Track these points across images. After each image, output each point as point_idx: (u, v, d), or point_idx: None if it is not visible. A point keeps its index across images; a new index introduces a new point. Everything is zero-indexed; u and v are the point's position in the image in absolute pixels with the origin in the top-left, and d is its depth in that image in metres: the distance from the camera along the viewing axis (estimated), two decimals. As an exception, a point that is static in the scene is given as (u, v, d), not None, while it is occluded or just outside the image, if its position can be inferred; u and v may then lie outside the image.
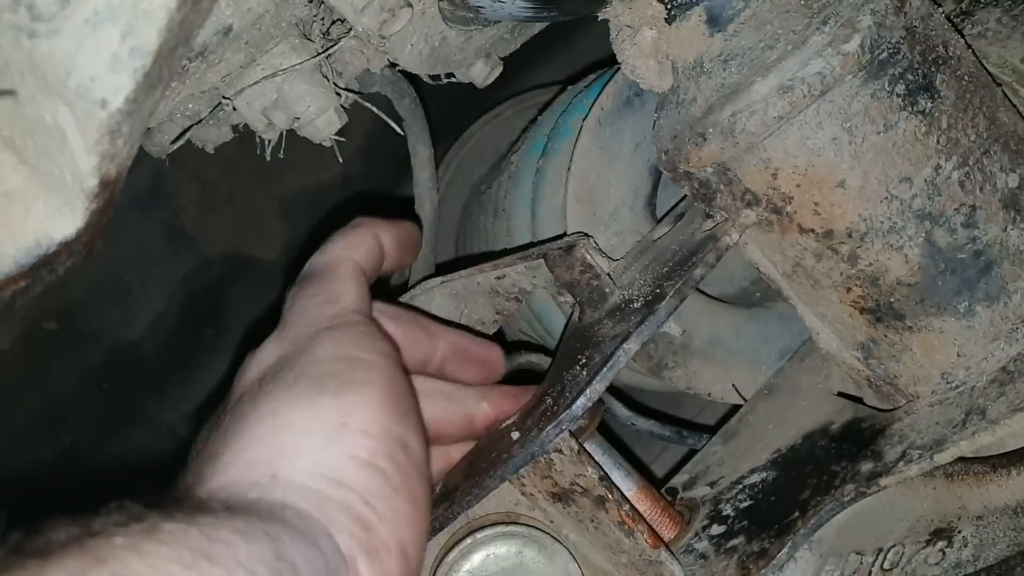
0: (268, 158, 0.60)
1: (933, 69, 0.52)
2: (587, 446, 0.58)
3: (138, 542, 0.29)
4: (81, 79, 0.33)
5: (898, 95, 0.51)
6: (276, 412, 0.41)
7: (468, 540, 0.55)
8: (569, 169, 0.68)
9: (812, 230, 0.53)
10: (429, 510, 0.43)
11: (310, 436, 0.40)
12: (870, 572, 0.59)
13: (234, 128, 0.62)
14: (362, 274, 0.52)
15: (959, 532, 0.59)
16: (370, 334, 0.47)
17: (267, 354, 0.46)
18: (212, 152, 0.65)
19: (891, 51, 0.51)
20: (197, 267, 1.00)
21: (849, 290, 0.55)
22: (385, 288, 0.82)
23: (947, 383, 0.55)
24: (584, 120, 0.68)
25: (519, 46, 0.68)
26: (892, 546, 0.60)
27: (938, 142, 0.52)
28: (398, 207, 0.74)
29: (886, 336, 0.55)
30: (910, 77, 0.51)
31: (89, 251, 0.37)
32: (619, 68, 0.67)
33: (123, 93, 0.34)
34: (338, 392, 0.41)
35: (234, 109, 0.56)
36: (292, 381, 0.42)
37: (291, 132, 0.59)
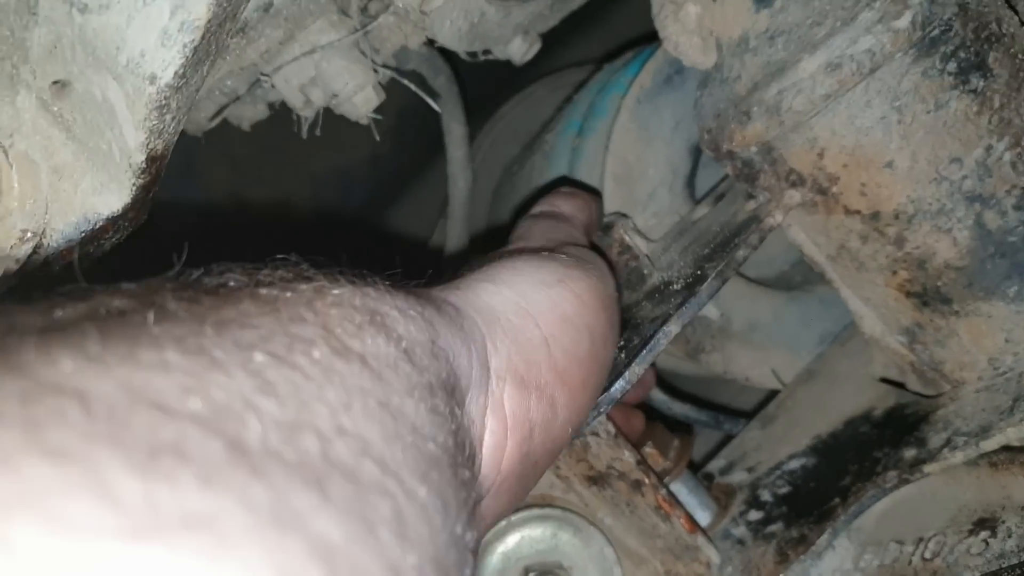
0: (304, 136, 0.60)
1: (986, 47, 0.51)
2: (673, 485, 0.58)
3: (309, 297, 0.28)
4: (131, 54, 0.33)
5: (949, 73, 0.50)
6: (505, 262, 0.41)
7: (503, 522, 0.55)
8: (607, 148, 0.67)
9: (858, 211, 0.52)
10: (587, 410, 0.42)
11: (527, 278, 0.40)
12: (910, 561, 0.59)
13: (270, 106, 0.62)
14: (587, 235, 0.55)
15: (1003, 522, 0.58)
16: (606, 264, 0.49)
17: (510, 248, 0.48)
18: (247, 130, 0.65)
19: (943, 28, 0.49)
20: (227, 245, 1.00)
21: (895, 273, 0.54)
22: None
23: (994, 369, 0.54)
24: (623, 98, 0.67)
25: (558, 22, 0.68)
26: (933, 535, 0.59)
27: (990, 122, 0.51)
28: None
29: (932, 320, 0.54)
30: (962, 55, 0.50)
31: (134, 227, 0.37)
32: (658, 45, 0.66)
33: (173, 68, 0.33)
34: (567, 263, 0.42)
35: (272, 86, 0.55)
36: (531, 252, 0.44)
37: (324, 110, 0.59)
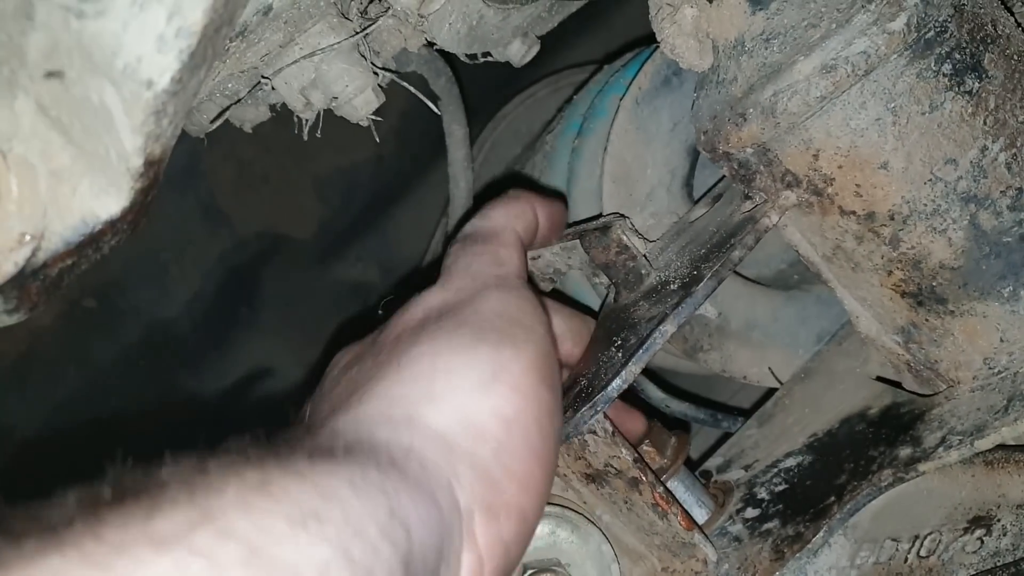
0: (305, 138, 0.60)
1: (981, 48, 0.51)
2: (670, 483, 0.58)
3: (248, 497, 0.28)
4: (128, 59, 0.34)
5: (944, 75, 0.50)
6: (435, 353, 0.41)
7: (502, 519, 0.55)
8: (605, 149, 0.68)
9: (853, 212, 0.53)
10: (551, 484, 0.42)
11: (461, 382, 0.39)
12: (906, 559, 0.59)
13: (272, 108, 0.63)
14: (522, 244, 0.53)
15: (998, 520, 0.59)
16: (533, 302, 0.47)
17: (432, 299, 0.47)
18: (249, 132, 0.65)
19: (938, 29, 0.50)
20: (232, 246, 1.01)
21: (890, 273, 0.54)
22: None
23: (989, 368, 0.54)
24: (621, 99, 0.68)
25: (556, 25, 0.68)
26: (929, 533, 0.59)
27: (985, 123, 0.51)
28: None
29: (927, 320, 0.55)
30: (957, 56, 0.50)
31: (133, 230, 0.38)
32: (657, 47, 0.66)
33: (169, 73, 0.34)
34: (496, 345, 0.41)
35: (272, 89, 0.56)
36: (454, 327, 0.42)
37: (326, 111, 0.60)
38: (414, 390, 0.39)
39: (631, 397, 0.74)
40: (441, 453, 0.36)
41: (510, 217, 0.54)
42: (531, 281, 0.61)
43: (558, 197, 0.65)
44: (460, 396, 0.39)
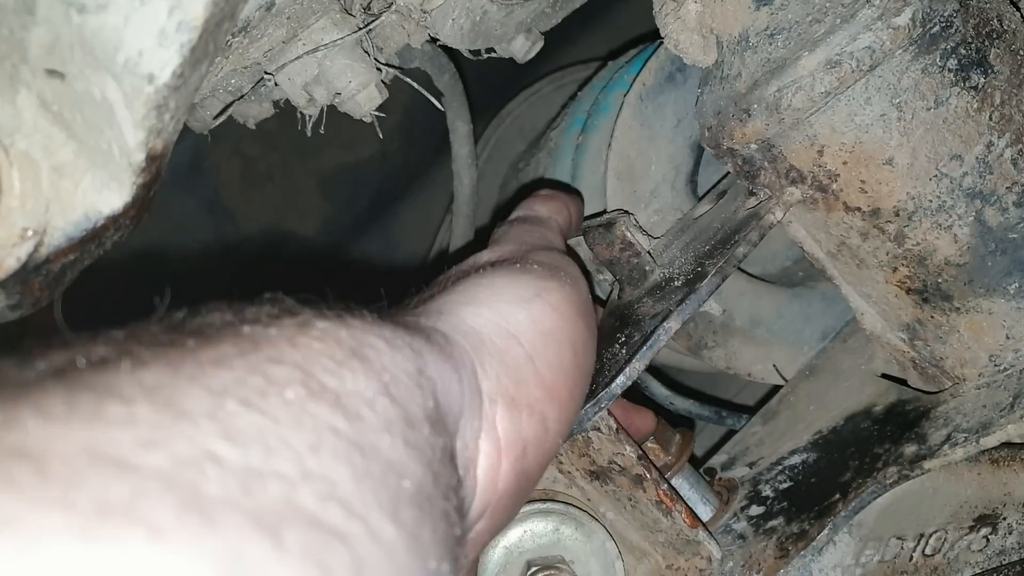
0: (309, 134, 0.60)
1: (987, 43, 0.51)
2: (674, 481, 0.58)
3: (292, 334, 0.28)
4: (129, 54, 0.34)
5: (950, 70, 0.50)
6: (481, 277, 0.42)
7: (505, 516, 0.55)
8: (609, 145, 0.68)
9: (858, 208, 0.52)
10: (576, 412, 0.43)
11: (504, 295, 0.40)
12: (911, 557, 0.59)
13: (275, 104, 0.63)
14: (564, 236, 0.56)
15: (1004, 519, 0.58)
16: (575, 264, 0.50)
17: (483, 256, 0.49)
18: (253, 128, 0.65)
19: (943, 24, 0.49)
20: (237, 242, 1.01)
21: (895, 270, 0.54)
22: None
23: (995, 365, 0.54)
24: (625, 96, 0.68)
25: (560, 20, 0.68)
26: (934, 532, 0.59)
27: (991, 118, 0.51)
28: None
29: (933, 317, 0.54)
30: (963, 51, 0.50)
31: (135, 225, 0.38)
32: (661, 43, 0.66)
33: (170, 68, 0.34)
34: (541, 276, 0.43)
35: (276, 85, 0.56)
36: (506, 266, 0.44)
37: (330, 108, 0.60)
38: (458, 298, 0.40)
39: (640, 396, 0.74)
40: (470, 342, 0.37)
41: (552, 211, 0.57)
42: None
43: (578, 195, 0.67)
44: (501, 304, 0.40)
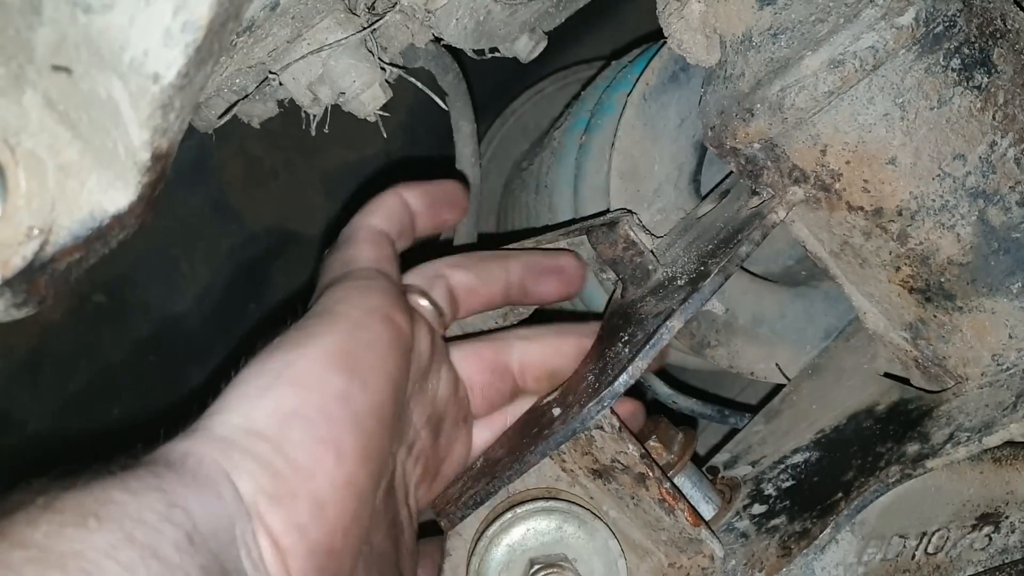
0: (313, 133, 0.60)
1: (990, 43, 0.51)
2: (677, 479, 0.58)
3: (36, 515, 0.32)
4: (134, 53, 0.34)
5: (953, 70, 0.50)
6: (240, 375, 0.43)
7: (508, 514, 0.56)
8: (613, 145, 0.68)
9: (861, 208, 0.53)
10: (367, 465, 0.43)
11: (246, 391, 0.42)
12: (913, 556, 0.59)
13: (280, 103, 0.63)
14: (380, 235, 0.54)
15: (1006, 517, 0.58)
16: (362, 287, 0.48)
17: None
18: (257, 127, 0.65)
19: (947, 24, 0.50)
20: (242, 241, 1.01)
21: (898, 269, 0.54)
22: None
23: (998, 365, 0.54)
24: (629, 95, 0.68)
25: (564, 20, 0.68)
26: (937, 530, 0.59)
27: (994, 118, 0.51)
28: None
29: (935, 316, 0.54)
30: (966, 51, 0.50)
31: (141, 224, 0.38)
32: (665, 42, 0.66)
33: (175, 67, 0.34)
34: (290, 346, 0.43)
35: (280, 84, 0.56)
36: (268, 346, 0.45)
37: (335, 107, 0.60)
38: (214, 406, 0.42)
39: (639, 394, 0.74)
40: (219, 452, 0.39)
41: (364, 215, 0.55)
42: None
43: (450, 177, 0.63)
44: (244, 403, 0.41)
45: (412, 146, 1.06)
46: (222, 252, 1.01)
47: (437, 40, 0.61)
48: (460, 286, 0.57)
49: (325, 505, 0.40)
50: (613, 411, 0.53)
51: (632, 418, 0.60)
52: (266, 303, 1.04)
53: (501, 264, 0.59)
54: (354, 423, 0.43)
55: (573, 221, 0.74)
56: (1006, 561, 0.58)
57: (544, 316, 0.64)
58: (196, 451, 0.38)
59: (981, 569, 0.57)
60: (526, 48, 0.65)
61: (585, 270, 0.61)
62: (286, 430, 0.40)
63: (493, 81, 0.97)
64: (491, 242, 0.66)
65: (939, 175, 0.51)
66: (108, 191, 0.36)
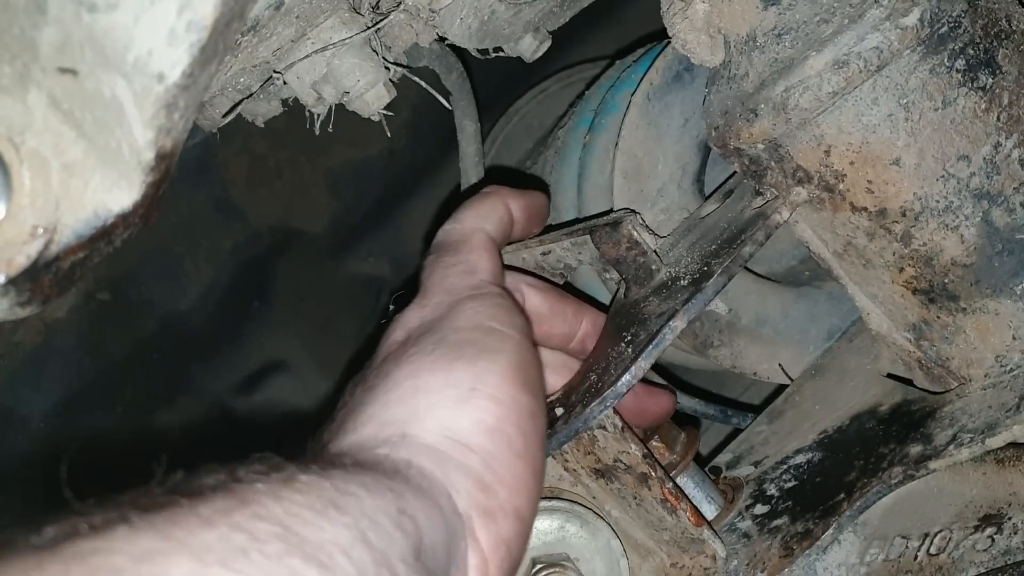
0: (317, 132, 0.60)
1: (995, 44, 0.51)
2: (679, 479, 0.58)
3: (277, 489, 0.31)
4: (139, 53, 0.34)
5: (958, 70, 0.50)
6: (415, 375, 0.43)
7: (511, 513, 0.56)
8: (616, 144, 0.68)
9: (865, 208, 0.52)
10: (543, 480, 0.44)
11: (442, 399, 0.41)
12: (916, 557, 0.59)
13: (284, 102, 0.63)
14: (494, 244, 0.54)
15: (1009, 519, 0.58)
16: (507, 307, 0.49)
17: (411, 318, 0.49)
18: (261, 126, 0.65)
19: (951, 25, 0.49)
20: (246, 240, 1.01)
21: (902, 270, 0.54)
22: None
23: (1001, 366, 0.54)
24: (632, 95, 0.68)
25: (568, 20, 0.68)
26: (939, 531, 0.59)
27: (998, 119, 0.51)
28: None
29: (939, 317, 0.54)
30: (971, 52, 0.50)
31: (145, 223, 0.38)
32: (669, 42, 0.66)
33: (180, 67, 0.34)
34: (473, 359, 0.43)
35: (284, 83, 0.56)
36: (432, 347, 0.44)
37: (339, 106, 0.60)
38: (401, 412, 0.41)
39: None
40: (436, 465, 0.39)
41: (479, 218, 0.55)
42: (535, 275, 0.61)
43: (538, 187, 0.65)
44: (443, 412, 0.41)
45: (416, 145, 1.06)
46: (226, 250, 1.01)
47: (441, 39, 0.61)
48: (532, 309, 0.56)
49: (525, 522, 0.41)
50: (616, 411, 0.53)
51: (664, 408, 0.60)
52: (269, 302, 1.04)
53: (576, 311, 0.59)
54: (540, 440, 0.44)
55: (577, 220, 0.74)
56: (1009, 563, 0.58)
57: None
58: (416, 461, 0.38)
59: (984, 570, 0.57)
60: (530, 48, 0.65)
61: None
62: (490, 444, 0.41)
63: (496, 80, 0.97)
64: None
65: (943, 176, 0.51)
66: (112, 190, 0.36)
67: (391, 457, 0.38)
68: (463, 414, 0.41)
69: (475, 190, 0.76)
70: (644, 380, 0.54)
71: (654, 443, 0.60)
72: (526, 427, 0.43)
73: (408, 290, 0.62)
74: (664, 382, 0.67)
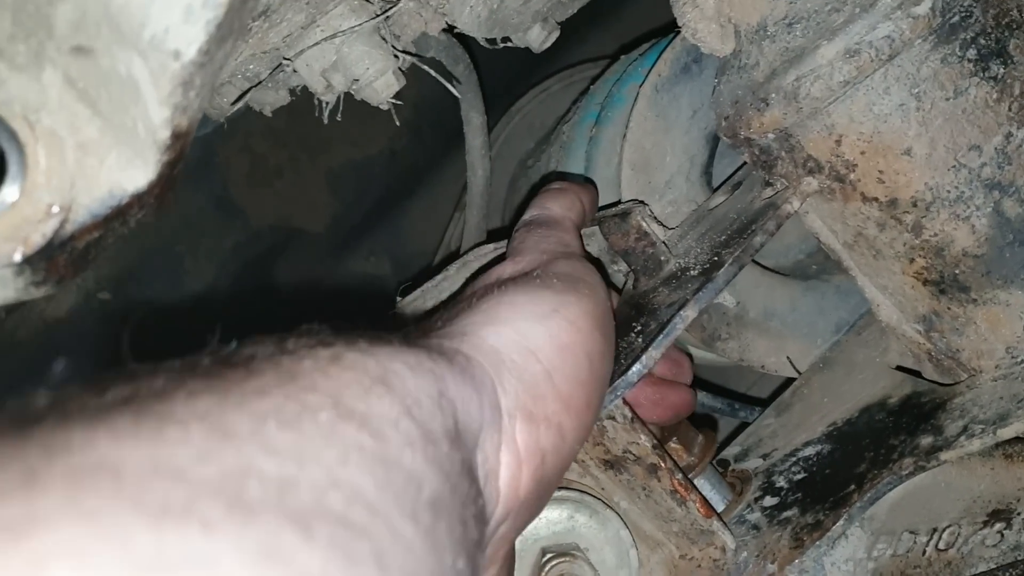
0: (325, 120, 0.60)
1: (1007, 33, 0.51)
2: (697, 481, 0.58)
3: (325, 365, 0.32)
4: (155, 30, 0.34)
5: (969, 60, 0.50)
6: (502, 294, 0.44)
7: (520, 505, 0.55)
8: (624, 136, 0.68)
9: (876, 199, 0.52)
10: (593, 422, 0.45)
11: (523, 313, 0.43)
12: (924, 552, 0.58)
13: (291, 91, 0.63)
14: (578, 232, 0.58)
15: (1018, 514, 0.58)
16: (595, 272, 0.51)
17: (505, 269, 0.51)
18: (269, 115, 0.65)
19: (963, 14, 0.49)
20: (246, 239, 1.01)
21: (912, 261, 0.54)
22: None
23: (1012, 357, 0.54)
24: (640, 87, 0.67)
25: (576, 11, 0.68)
26: (947, 526, 0.59)
27: (1010, 109, 0.51)
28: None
29: (949, 309, 0.54)
30: (982, 41, 0.50)
31: (159, 205, 0.38)
32: (676, 35, 0.66)
33: (196, 44, 0.34)
34: (560, 290, 0.45)
35: (294, 71, 0.56)
36: (525, 281, 0.46)
37: (345, 100, 0.59)
38: (479, 317, 0.42)
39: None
40: (489, 361, 0.39)
41: (565, 208, 0.58)
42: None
43: (591, 184, 0.67)
44: (520, 321, 0.42)
45: (417, 144, 1.06)
46: (226, 249, 1.01)
47: (449, 29, 0.61)
48: None
49: (567, 439, 0.42)
50: (626, 401, 0.53)
51: (684, 400, 0.61)
52: (270, 300, 1.04)
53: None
54: (603, 382, 0.45)
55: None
56: (1019, 558, 0.57)
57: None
58: (466, 351, 0.39)
59: (993, 566, 0.57)
60: (538, 38, 0.65)
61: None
62: (558, 359, 0.42)
63: (499, 77, 0.97)
64: (499, 236, 0.66)
65: (954, 166, 0.51)
66: (127, 169, 0.36)
67: (441, 344, 0.39)
68: (541, 327, 0.42)
69: (482, 183, 0.76)
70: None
71: (672, 444, 0.59)
72: (595, 361, 0.44)
73: (414, 282, 0.62)
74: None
